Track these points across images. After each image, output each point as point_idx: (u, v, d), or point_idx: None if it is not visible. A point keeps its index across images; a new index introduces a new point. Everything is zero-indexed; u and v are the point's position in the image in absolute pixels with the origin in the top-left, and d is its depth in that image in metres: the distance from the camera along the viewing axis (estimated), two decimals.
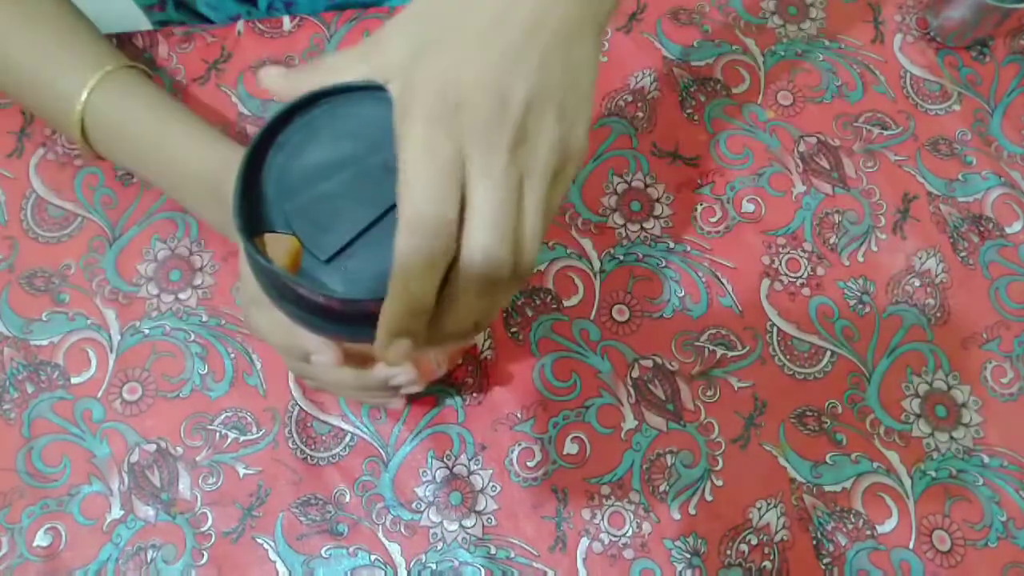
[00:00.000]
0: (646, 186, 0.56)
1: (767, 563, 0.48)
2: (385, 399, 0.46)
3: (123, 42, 0.60)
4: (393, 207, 0.29)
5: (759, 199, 0.56)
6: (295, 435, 0.50)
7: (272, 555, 0.48)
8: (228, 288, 0.53)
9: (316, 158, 0.32)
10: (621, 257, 0.54)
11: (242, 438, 0.50)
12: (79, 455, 0.49)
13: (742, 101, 0.59)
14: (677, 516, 0.49)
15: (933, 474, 0.50)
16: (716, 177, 0.57)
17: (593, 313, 0.53)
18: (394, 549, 0.48)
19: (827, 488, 0.49)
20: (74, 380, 0.51)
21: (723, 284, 0.54)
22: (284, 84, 0.33)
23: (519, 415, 0.51)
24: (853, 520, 0.48)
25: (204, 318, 0.52)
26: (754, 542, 0.48)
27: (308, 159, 0.32)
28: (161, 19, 0.69)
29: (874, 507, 0.49)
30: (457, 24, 0.30)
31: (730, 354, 0.52)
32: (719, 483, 0.49)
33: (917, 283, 0.54)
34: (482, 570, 0.47)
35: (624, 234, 0.55)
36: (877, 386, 0.51)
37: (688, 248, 0.55)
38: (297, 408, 0.51)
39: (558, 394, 0.51)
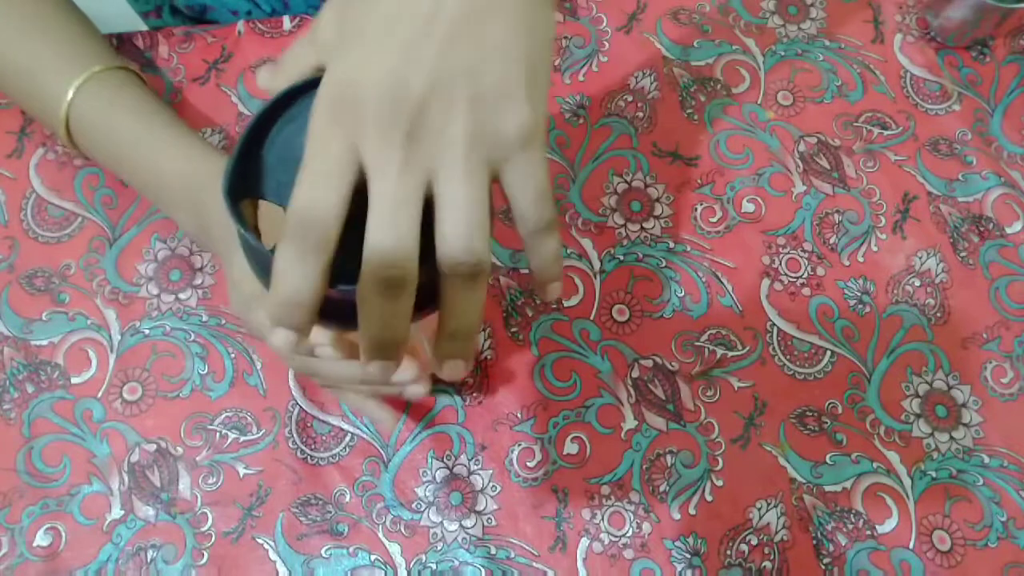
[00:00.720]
0: (646, 186, 0.56)
1: (767, 563, 0.48)
2: (395, 392, 0.45)
3: (123, 42, 0.60)
4: None
5: (759, 199, 0.56)
6: (295, 435, 0.50)
7: (272, 555, 0.48)
8: (228, 288, 0.53)
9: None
10: (621, 257, 0.54)
11: (242, 438, 0.50)
12: (79, 455, 0.49)
13: (742, 101, 0.59)
14: (677, 516, 0.49)
15: (933, 474, 0.49)
16: (716, 177, 0.57)
17: (593, 313, 0.53)
18: (394, 549, 0.48)
19: (827, 488, 0.49)
20: (74, 380, 0.51)
21: (723, 284, 0.54)
22: (272, 79, 0.34)
23: (519, 415, 0.51)
24: (853, 520, 0.48)
25: (204, 318, 0.52)
26: (754, 542, 0.48)
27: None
28: (157, 25, 0.69)
29: (874, 507, 0.49)
30: (365, 18, 0.29)
31: (730, 354, 0.52)
32: (719, 483, 0.49)
33: (917, 283, 0.54)
34: (482, 570, 0.47)
35: (624, 234, 0.55)
36: (877, 386, 0.51)
37: (688, 248, 0.55)
38: (297, 408, 0.51)
39: (558, 394, 0.51)
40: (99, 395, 0.51)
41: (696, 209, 0.56)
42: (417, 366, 0.41)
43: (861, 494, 0.49)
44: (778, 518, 0.49)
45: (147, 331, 0.52)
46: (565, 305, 0.53)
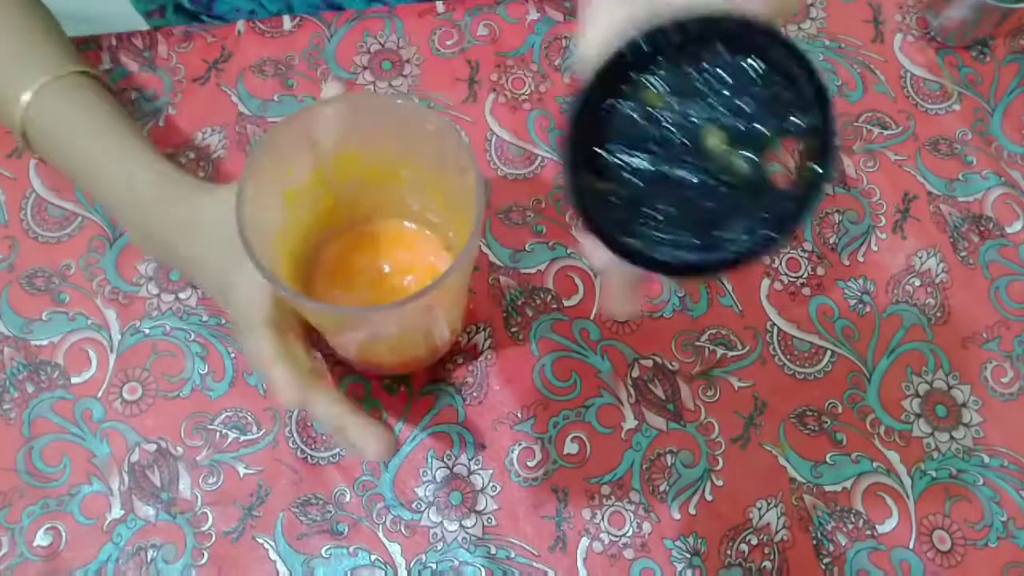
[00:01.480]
0: None
1: (767, 563, 0.48)
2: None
3: (123, 42, 0.60)
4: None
5: None
6: (295, 435, 0.50)
7: (272, 555, 0.48)
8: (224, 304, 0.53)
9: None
10: None
11: (242, 438, 0.50)
12: (79, 455, 0.49)
13: None
14: (677, 516, 0.49)
15: (933, 474, 0.50)
16: None
17: (593, 313, 0.53)
18: (394, 549, 0.48)
19: (827, 488, 0.49)
20: (74, 380, 0.51)
21: (723, 284, 0.54)
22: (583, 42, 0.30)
23: (519, 415, 0.51)
24: (853, 520, 0.48)
25: (204, 318, 0.52)
26: (754, 542, 0.48)
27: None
28: (159, 25, 0.69)
29: (874, 507, 0.49)
30: None
31: (730, 354, 0.52)
32: (719, 483, 0.49)
33: (917, 283, 0.54)
34: (482, 570, 0.47)
35: None
36: (877, 386, 0.51)
37: None
38: (297, 408, 0.51)
39: (558, 394, 0.51)
40: (99, 395, 0.51)
41: None
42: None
43: (861, 494, 0.49)
44: (778, 518, 0.49)
45: (147, 331, 0.52)
46: (565, 305, 0.53)
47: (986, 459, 0.50)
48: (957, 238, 0.55)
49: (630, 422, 0.50)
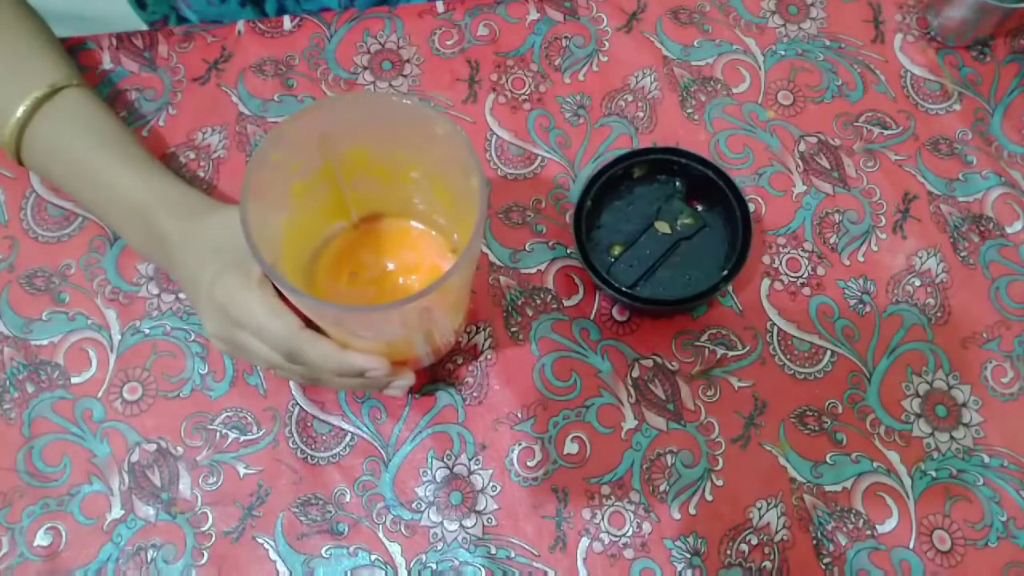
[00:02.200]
0: None
1: (767, 563, 0.48)
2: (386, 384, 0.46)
3: (123, 42, 0.60)
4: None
5: (759, 199, 0.56)
6: (295, 435, 0.50)
7: (272, 555, 0.48)
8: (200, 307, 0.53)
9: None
10: None
11: (242, 438, 0.50)
12: (79, 455, 0.49)
13: (743, 101, 0.59)
14: (677, 516, 0.49)
15: (933, 474, 0.49)
16: None
17: (593, 313, 0.53)
18: (394, 549, 0.48)
19: (827, 488, 0.49)
20: (74, 380, 0.51)
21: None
22: None
23: (519, 415, 0.51)
24: (853, 520, 0.48)
25: None
26: (754, 542, 0.48)
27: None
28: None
29: (874, 507, 0.49)
30: None
31: (730, 354, 0.52)
32: (719, 483, 0.49)
33: (917, 283, 0.54)
34: (482, 570, 0.47)
35: None
36: (877, 386, 0.51)
37: None
38: (297, 408, 0.51)
39: (558, 394, 0.51)
40: (99, 395, 0.51)
41: None
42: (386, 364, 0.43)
43: (861, 494, 0.49)
44: (778, 518, 0.49)
45: (147, 331, 0.52)
46: (565, 305, 0.53)
47: (986, 459, 0.50)
48: (957, 238, 0.55)
49: (630, 422, 0.50)
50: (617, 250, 0.52)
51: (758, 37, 0.61)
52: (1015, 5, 0.55)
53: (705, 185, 0.52)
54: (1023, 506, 0.49)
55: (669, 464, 0.50)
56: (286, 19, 0.60)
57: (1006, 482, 0.49)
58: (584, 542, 0.48)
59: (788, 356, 0.52)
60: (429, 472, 0.49)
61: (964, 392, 0.51)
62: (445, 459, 0.50)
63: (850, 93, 0.59)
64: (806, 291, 0.54)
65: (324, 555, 0.48)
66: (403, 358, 0.47)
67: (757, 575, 0.47)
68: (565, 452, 0.50)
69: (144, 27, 0.68)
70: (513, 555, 0.48)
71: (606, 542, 0.48)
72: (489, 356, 0.52)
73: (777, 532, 0.48)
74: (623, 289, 0.49)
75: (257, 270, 0.42)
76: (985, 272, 0.54)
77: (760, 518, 0.49)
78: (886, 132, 0.58)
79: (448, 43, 0.60)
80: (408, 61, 0.60)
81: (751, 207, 0.52)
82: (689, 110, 0.58)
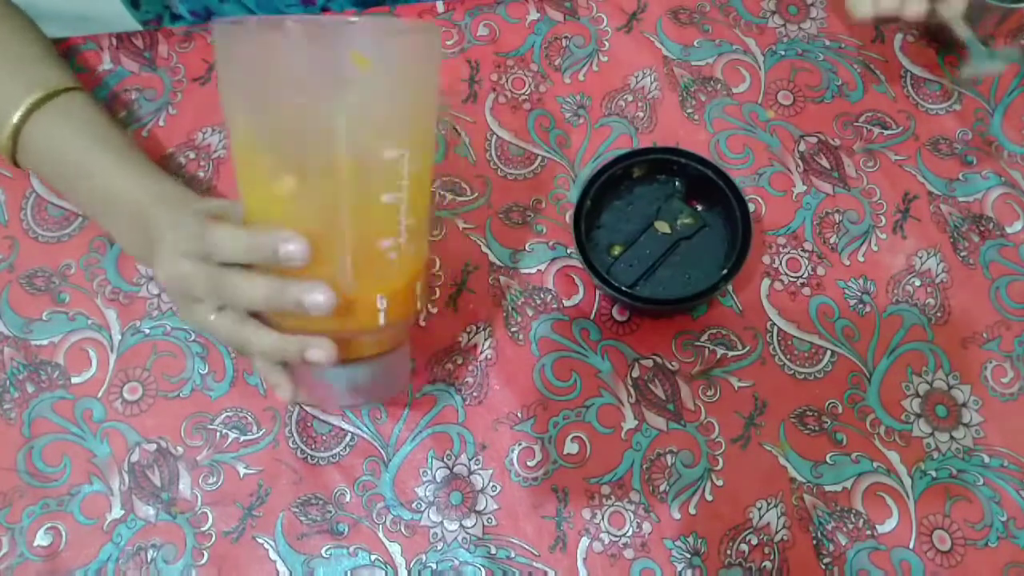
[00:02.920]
0: None
1: (767, 563, 0.48)
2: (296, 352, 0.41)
3: (123, 42, 0.60)
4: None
5: (759, 199, 0.56)
6: (295, 435, 0.50)
7: (272, 555, 0.48)
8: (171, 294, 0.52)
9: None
10: None
11: (242, 438, 0.50)
12: (79, 455, 0.49)
13: (742, 101, 0.59)
14: (677, 516, 0.49)
15: (933, 474, 0.49)
16: None
17: (593, 313, 0.53)
18: (394, 549, 0.48)
19: (827, 488, 0.49)
20: (74, 380, 0.51)
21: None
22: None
23: (519, 415, 0.51)
24: (853, 520, 0.48)
25: None
26: (754, 542, 0.48)
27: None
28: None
29: (874, 507, 0.49)
30: None
31: (730, 354, 0.52)
32: (719, 483, 0.49)
33: (917, 283, 0.54)
34: (482, 570, 0.47)
35: None
36: (877, 386, 0.51)
37: None
38: (297, 408, 0.51)
39: (558, 394, 0.51)
40: (99, 395, 0.51)
41: None
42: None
43: (861, 494, 0.49)
44: (778, 518, 0.49)
45: (147, 331, 0.52)
46: (565, 305, 0.53)
47: (986, 459, 0.50)
48: (957, 238, 0.55)
49: (630, 422, 0.50)
50: (617, 250, 0.52)
51: (758, 37, 0.61)
52: (1015, 5, 0.55)
53: (705, 185, 0.52)
54: (1023, 506, 0.49)
55: (669, 464, 0.50)
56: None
57: (1006, 482, 0.49)
58: (584, 542, 0.48)
59: (788, 356, 0.52)
60: (429, 472, 0.49)
61: (964, 392, 0.51)
62: (445, 459, 0.50)
63: (850, 93, 0.59)
64: (806, 291, 0.54)
65: (324, 555, 0.48)
66: (321, 257, 0.38)
67: (757, 575, 0.47)
68: (565, 452, 0.50)
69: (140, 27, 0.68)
70: (513, 555, 0.48)
71: (606, 542, 0.48)
72: (489, 356, 0.52)
73: (777, 532, 0.48)
74: (623, 289, 0.49)
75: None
76: (985, 272, 0.54)
77: (760, 518, 0.49)
78: (886, 132, 0.58)
79: (448, 43, 0.60)
80: None
81: (751, 207, 0.52)
82: (689, 110, 0.58)
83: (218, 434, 0.50)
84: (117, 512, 0.48)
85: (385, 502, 0.49)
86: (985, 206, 0.56)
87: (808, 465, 0.50)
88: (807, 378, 0.52)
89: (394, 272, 0.40)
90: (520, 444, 0.50)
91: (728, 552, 0.48)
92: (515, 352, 0.52)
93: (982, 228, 0.55)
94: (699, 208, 0.54)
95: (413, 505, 0.49)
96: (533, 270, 0.54)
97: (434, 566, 0.48)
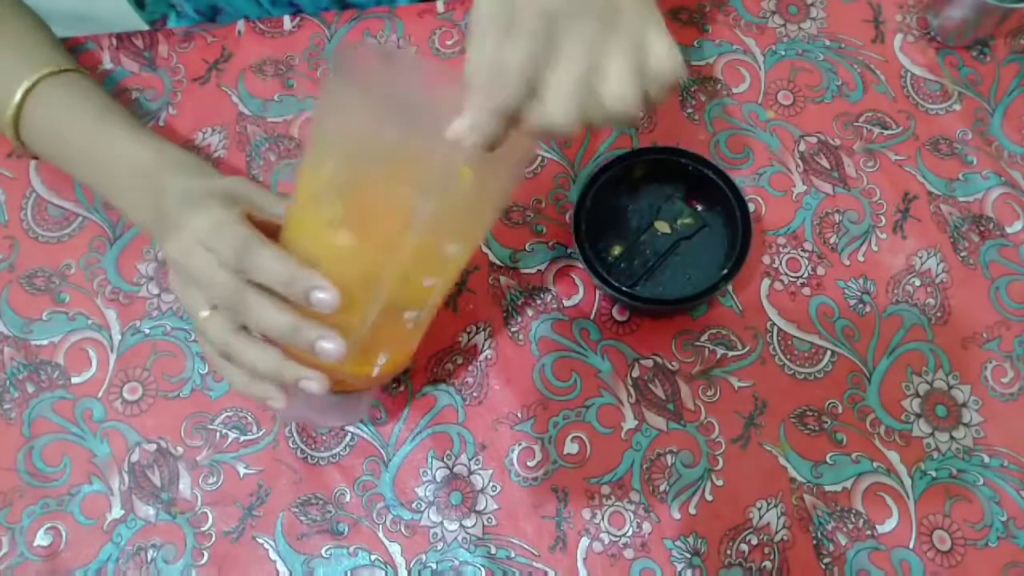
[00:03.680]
0: None
1: (767, 563, 0.48)
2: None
3: (123, 42, 0.60)
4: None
5: (759, 199, 0.56)
6: (295, 435, 0.50)
7: (272, 555, 0.48)
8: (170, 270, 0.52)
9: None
10: None
11: (242, 438, 0.50)
12: (79, 455, 0.50)
13: (742, 101, 0.59)
14: (677, 516, 0.49)
15: (933, 474, 0.49)
16: None
17: (593, 313, 0.53)
18: (394, 549, 0.48)
19: (827, 488, 0.49)
20: (74, 380, 0.51)
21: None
22: None
23: (519, 415, 0.51)
24: (853, 520, 0.48)
25: None
26: (754, 542, 0.48)
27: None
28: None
29: (874, 507, 0.49)
30: None
31: (730, 354, 0.52)
32: (719, 483, 0.49)
33: (917, 283, 0.54)
34: (482, 570, 0.47)
35: None
36: (877, 386, 0.51)
37: None
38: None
39: (558, 394, 0.51)
40: (99, 395, 0.51)
41: None
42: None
43: (861, 494, 0.49)
44: (778, 518, 0.49)
45: (147, 331, 0.52)
46: (565, 305, 0.53)
47: (986, 459, 0.50)
48: (957, 238, 0.55)
49: (630, 422, 0.50)
50: (617, 250, 0.52)
51: (758, 37, 0.61)
52: (1015, 5, 0.55)
53: (705, 185, 0.52)
54: (1023, 506, 0.49)
55: (669, 464, 0.50)
56: (286, 19, 0.60)
57: (1006, 482, 0.49)
58: (584, 542, 0.48)
59: (788, 356, 0.52)
60: (429, 472, 0.49)
61: (964, 392, 0.51)
62: (445, 459, 0.50)
63: (850, 93, 0.59)
64: (806, 291, 0.54)
65: (324, 555, 0.48)
66: (347, 309, 0.39)
67: (757, 575, 0.47)
68: (565, 452, 0.50)
69: (144, 26, 0.68)
70: (513, 555, 0.48)
71: (606, 542, 0.48)
72: (489, 356, 0.52)
73: (777, 532, 0.48)
74: (623, 289, 0.49)
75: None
76: (985, 272, 0.54)
77: (760, 518, 0.49)
78: (886, 132, 0.58)
79: (448, 43, 0.60)
80: None
81: (751, 207, 0.52)
82: (689, 110, 0.58)
83: (218, 434, 0.50)
84: (117, 512, 0.49)
85: (385, 502, 0.49)
86: (985, 206, 0.56)
87: (808, 465, 0.50)
88: (807, 378, 0.52)
89: (405, 337, 0.43)
90: (520, 444, 0.50)
91: (728, 552, 0.48)
92: (515, 352, 0.52)
93: (982, 228, 0.55)
94: (699, 208, 0.54)
95: (413, 505, 0.49)
96: (533, 270, 0.54)
97: (434, 566, 0.48)
